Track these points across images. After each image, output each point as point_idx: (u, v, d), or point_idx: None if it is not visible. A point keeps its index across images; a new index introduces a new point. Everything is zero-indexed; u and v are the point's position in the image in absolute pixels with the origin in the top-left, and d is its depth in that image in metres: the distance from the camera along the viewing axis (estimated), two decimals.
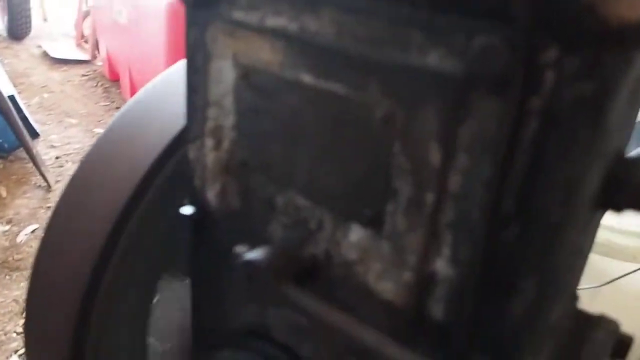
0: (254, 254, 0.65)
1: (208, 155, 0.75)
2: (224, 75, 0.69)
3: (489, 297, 0.56)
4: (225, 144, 0.73)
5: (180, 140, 0.87)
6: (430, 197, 0.55)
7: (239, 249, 0.68)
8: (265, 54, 0.64)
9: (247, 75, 0.66)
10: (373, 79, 0.56)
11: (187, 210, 0.80)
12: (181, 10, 0.72)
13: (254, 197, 0.72)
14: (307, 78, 0.61)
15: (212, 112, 0.73)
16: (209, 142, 0.75)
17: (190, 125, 0.77)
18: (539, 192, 0.50)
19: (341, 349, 0.64)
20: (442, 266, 0.56)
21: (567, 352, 0.62)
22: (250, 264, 0.65)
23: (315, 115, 0.62)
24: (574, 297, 0.65)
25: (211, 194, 0.77)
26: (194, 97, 0.75)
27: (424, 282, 0.58)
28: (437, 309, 0.58)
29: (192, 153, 0.78)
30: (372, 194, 0.60)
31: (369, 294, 0.63)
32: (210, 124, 0.74)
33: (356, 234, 0.63)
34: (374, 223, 0.61)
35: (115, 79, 6.07)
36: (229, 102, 0.70)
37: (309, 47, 0.60)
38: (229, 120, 0.71)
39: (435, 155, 0.54)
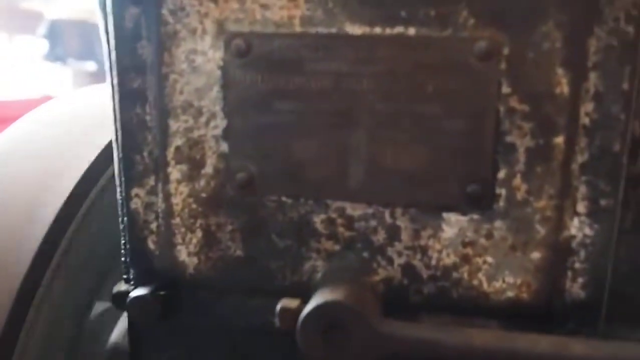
0: (309, 309, 0.44)
1: (175, 193, 0.51)
2: (200, 59, 0.49)
3: (633, 249, 0.46)
4: (210, 165, 0.50)
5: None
6: (559, 140, 0.44)
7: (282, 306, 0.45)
8: (276, 11, 0.47)
9: (244, 48, 0.47)
10: (462, 6, 0.43)
11: (139, 292, 0.53)
12: None
13: (268, 231, 0.50)
14: (354, 29, 0.46)
15: (178, 125, 0.50)
16: (177, 173, 0.51)
17: (128, 160, 0.52)
18: None
19: None
20: (579, 226, 0.45)
21: None
22: (318, 318, 0.43)
23: (374, 78, 0.46)
24: None
25: (184, 253, 0.52)
26: (130, 116, 0.51)
27: (561, 256, 0.45)
28: (576, 286, 0.45)
29: (135, 202, 0.53)
30: (475, 162, 0.45)
31: (480, 299, 0.47)
32: (176, 144, 0.51)
33: (454, 227, 0.47)
34: (481, 202, 0.46)
35: None
36: (211, 99, 0.49)
37: None
38: (214, 127, 0.50)
39: (562, 83, 0.43)
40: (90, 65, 5.45)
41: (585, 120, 0.43)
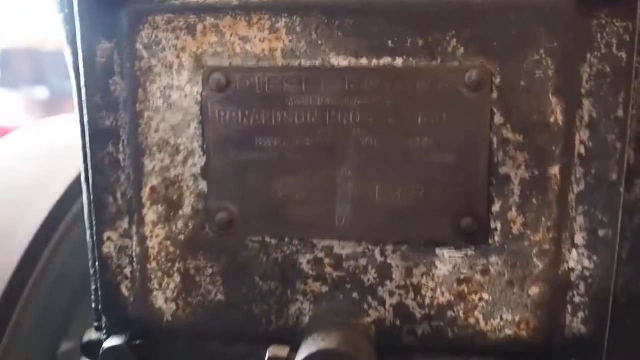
0: (301, 358, 0.41)
1: (150, 236, 0.48)
2: (177, 95, 0.46)
3: (630, 281, 0.45)
4: (189, 205, 0.47)
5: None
6: (555, 170, 0.43)
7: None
8: (256, 44, 0.44)
9: (224, 82, 0.45)
10: (451, 35, 0.42)
11: (113, 342, 0.49)
12: None
13: (251, 273, 0.47)
14: (339, 61, 0.44)
15: (154, 164, 0.47)
16: (153, 214, 0.48)
17: (100, 201, 0.49)
18: None
19: None
20: (578, 259, 0.43)
21: None
22: None
23: (361, 111, 0.44)
24: None
25: (161, 300, 0.49)
26: (102, 155, 0.48)
27: (560, 291, 0.44)
28: (577, 321, 0.44)
29: (108, 246, 0.49)
30: (468, 196, 0.44)
31: (477, 338, 0.45)
32: (152, 184, 0.47)
33: (447, 263, 0.45)
34: (476, 237, 0.44)
35: None
36: (189, 136, 0.46)
37: (337, 16, 0.43)
38: (192, 165, 0.47)
39: (556, 112, 0.42)
40: (42, 92, 5.31)
41: (581, 149, 0.42)
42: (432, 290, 0.45)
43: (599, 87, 0.41)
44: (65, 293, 0.73)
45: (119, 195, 0.48)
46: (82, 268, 0.78)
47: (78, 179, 0.81)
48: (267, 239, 0.47)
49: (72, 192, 0.78)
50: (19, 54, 5.17)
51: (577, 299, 0.44)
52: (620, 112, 0.41)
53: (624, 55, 0.41)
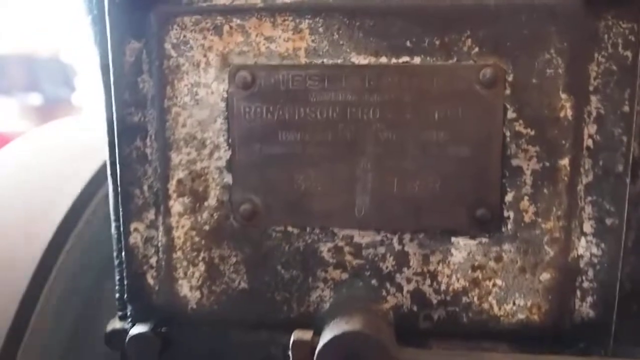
0: (326, 339, 0.43)
1: (176, 226, 0.50)
2: (204, 92, 0.48)
3: (636, 268, 0.48)
4: (214, 197, 0.49)
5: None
6: (565, 162, 0.45)
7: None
8: (281, 43, 0.47)
9: (249, 80, 0.47)
10: (466, 35, 0.45)
11: (139, 329, 0.51)
12: None
13: (274, 262, 0.50)
14: (360, 59, 0.46)
15: (181, 157, 0.49)
16: (179, 206, 0.50)
17: (127, 194, 0.51)
18: None
19: None
20: (587, 246, 0.46)
21: None
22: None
23: (380, 107, 0.46)
24: None
25: (186, 288, 0.51)
26: (130, 150, 0.50)
27: (570, 276, 0.46)
28: (585, 306, 0.47)
29: (134, 237, 0.51)
30: (482, 186, 0.46)
31: (491, 323, 0.48)
32: (178, 176, 0.49)
33: (462, 251, 0.47)
34: (490, 225, 0.47)
35: None
36: (215, 130, 0.48)
37: (358, 18, 0.46)
38: (218, 158, 0.49)
39: (565, 107, 0.44)
40: (36, 99, 5.31)
41: (589, 142, 0.45)
42: (447, 276, 0.48)
43: (605, 85, 0.44)
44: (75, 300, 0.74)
45: (145, 188, 0.50)
46: (96, 269, 0.79)
47: (92, 181, 0.83)
48: (289, 229, 0.49)
49: (85, 195, 0.79)
50: (13, 60, 5.17)
51: (585, 285, 0.46)
52: (626, 108, 0.44)
53: (629, 54, 0.43)
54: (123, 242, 0.51)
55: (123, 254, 0.52)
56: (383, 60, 0.46)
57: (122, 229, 0.51)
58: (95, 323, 0.68)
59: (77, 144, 0.96)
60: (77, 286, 0.71)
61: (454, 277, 0.48)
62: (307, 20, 0.46)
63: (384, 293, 0.49)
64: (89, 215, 0.75)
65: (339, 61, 0.46)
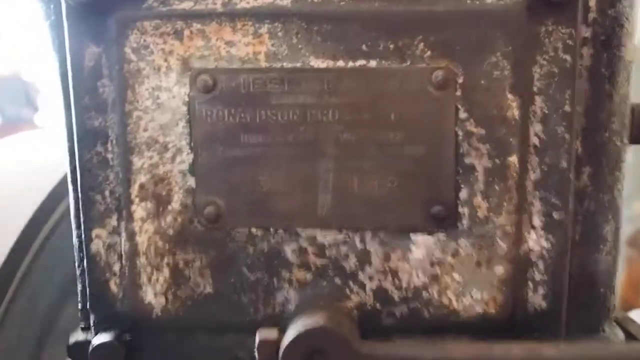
0: (290, 337, 0.44)
1: (139, 231, 0.50)
2: (165, 96, 0.49)
3: (583, 260, 0.50)
4: (177, 200, 0.50)
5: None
6: (513, 159, 0.47)
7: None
8: (241, 48, 0.48)
9: (211, 84, 0.48)
10: (419, 40, 0.47)
11: (102, 338, 0.50)
12: None
13: (239, 264, 0.50)
14: (318, 63, 0.48)
15: (143, 161, 0.50)
16: (141, 211, 0.50)
17: (88, 200, 0.51)
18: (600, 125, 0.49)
19: None
20: (537, 240, 0.48)
21: None
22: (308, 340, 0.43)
23: (339, 109, 0.48)
24: None
25: (150, 294, 0.51)
26: (90, 155, 0.50)
27: (522, 269, 0.48)
28: (537, 297, 0.49)
29: (96, 244, 0.51)
30: (437, 184, 0.48)
31: (451, 317, 0.49)
32: (141, 181, 0.50)
33: (421, 247, 0.49)
34: (446, 222, 0.48)
35: None
36: (177, 134, 0.49)
37: (315, 23, 0.47)
38: (180, 162, 0.50)
39: (512, 107, 0.47)
40: None
41: (535, 140, 0.47)
42: (408, 273, 0.49)
43: (548, 86, 0.46)
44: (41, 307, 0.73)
45: (107, 193, 0.50)
46: (59, 279, 0.78)
47: (51, 194, 0.82)
48: (253, 230, 0.50)
49: (45, 207, 0.78)
50: None
51: (537, 277, 0.48)
52: (567, 108, 0.46)
53: (568, 57, 0.46)
54: (85, 250, 0.51)
55: (85, 262, 0.52)
56: (340, 63, 0.47)
57: (83, 236, 0.51)
58: (54, 347, 0.67)
59: (36, 158, 0.95)
60: (36, 308, 0.70)
61: (414, 274, 0.49)
62: (266, 25, 0.48)
63: (347, 292, 0.50)
64: (47, 232, 0.74)
65: (299, 65, 0.48)
